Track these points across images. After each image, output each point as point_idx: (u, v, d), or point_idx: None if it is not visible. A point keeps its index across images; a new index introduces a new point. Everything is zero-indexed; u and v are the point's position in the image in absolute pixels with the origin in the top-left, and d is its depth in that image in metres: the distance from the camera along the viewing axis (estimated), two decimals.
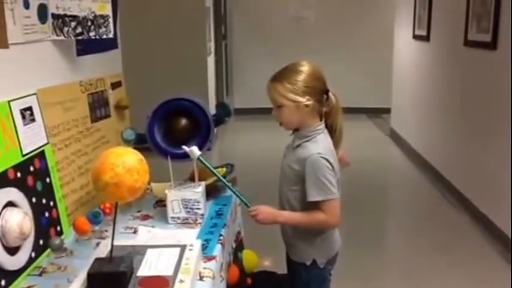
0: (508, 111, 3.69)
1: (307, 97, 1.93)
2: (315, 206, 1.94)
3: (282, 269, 2.28)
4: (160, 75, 6.16)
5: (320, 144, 1.95)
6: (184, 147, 2.05)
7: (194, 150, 2.03)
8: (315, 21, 8.61)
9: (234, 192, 2.06)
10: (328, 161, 1.92)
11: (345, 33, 8.49)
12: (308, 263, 2.06)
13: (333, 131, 2.03)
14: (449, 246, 3.87)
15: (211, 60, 6.96)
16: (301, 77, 1.93)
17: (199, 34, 6.36)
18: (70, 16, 2.05)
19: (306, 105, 1.94)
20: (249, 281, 2.36)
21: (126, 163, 1.46)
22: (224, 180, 2.09)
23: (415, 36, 6.18)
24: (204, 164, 2.02)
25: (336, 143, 2.03)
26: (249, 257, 2.38)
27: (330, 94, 2.00)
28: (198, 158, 2.03)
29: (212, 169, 2.03)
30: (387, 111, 7.58)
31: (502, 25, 3.87)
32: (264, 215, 1.97)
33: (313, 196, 1.92)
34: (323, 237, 2.07)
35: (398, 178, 5.82)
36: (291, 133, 2.07)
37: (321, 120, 2.01)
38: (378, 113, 8.39)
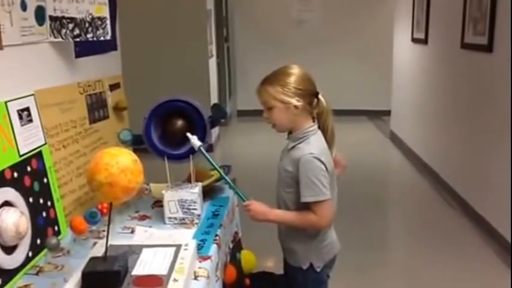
0: (506, 112, 3.70)
1: (297, 98, 1.94)
2: (308, 206, 1.95)
3: (281, 270, 2.26)
4: (161, 77, 6.16)
5: (313, 145, 1.96)
6: (188, 134, 2.04)
7: (195, 141, 2.03)
8: (316, 24, 8.62)
9: (231, 186, 2.06)
10: (320, 161, 1.92)
11: (346, 36, 8.51)
12: (304, 267, 2.06)
13: (324, 132, 2.04)
14: (448, 248, 3.88)
15: (213, 63, 6.96)
16: (292, 79, 1.95)
17: (200, 36, 6.34)
18: (68, 18, 2.06)
19: (296, 107, 1.95)
20: (247, 281, 2.36)
21: (121, 163, 1.47)
22: (222, 172, 2.08)
23: (414, 39, 6.20)
24: (204, 155, 2.02)
25: (329, 144, 2.04)
26: (247, 258, 2.38)
27: (320, 97, 2.02)
28: (199, 148, 2.03)
29: (211, 160, 2.02)
30: (387, 113, 7.60)
31: (497, 28, 3.89)
32: (255, 211, 1.97)
33: (304, 197, 1.93)
34: (320, 241, 2.06)
35: (397, 180, 5.82)
36: (286, 137, 2.08)
37: (313, 122, 2.02)
38: (378, 115, 8.40)
